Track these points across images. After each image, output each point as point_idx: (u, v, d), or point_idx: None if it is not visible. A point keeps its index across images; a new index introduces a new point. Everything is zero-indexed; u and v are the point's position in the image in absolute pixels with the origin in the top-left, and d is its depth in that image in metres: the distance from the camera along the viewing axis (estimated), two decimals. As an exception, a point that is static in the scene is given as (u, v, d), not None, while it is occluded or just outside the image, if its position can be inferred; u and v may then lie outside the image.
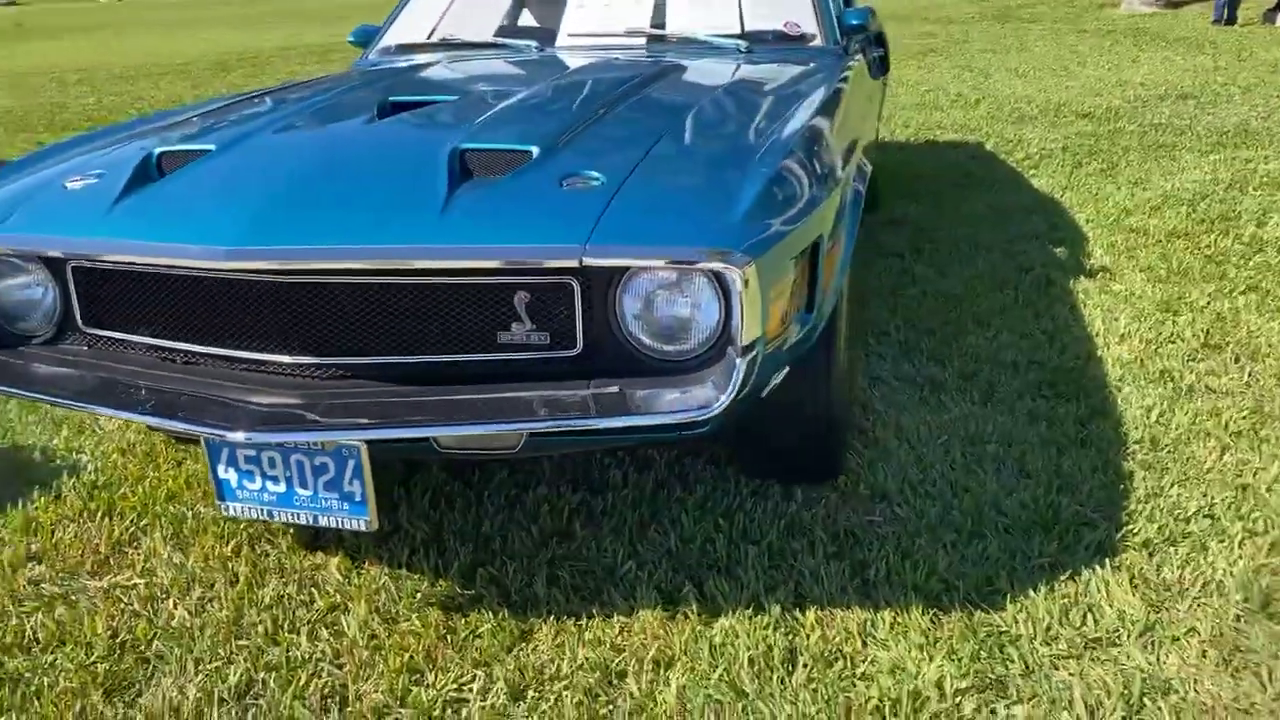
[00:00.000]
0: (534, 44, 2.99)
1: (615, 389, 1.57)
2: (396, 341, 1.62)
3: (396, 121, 1.97)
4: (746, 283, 1.48)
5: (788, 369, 1.86)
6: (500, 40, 3.06)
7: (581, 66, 2.60)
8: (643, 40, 3.00)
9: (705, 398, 1.51)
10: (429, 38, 3.20)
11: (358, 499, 1.63)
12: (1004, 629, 1.79)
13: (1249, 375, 2.77)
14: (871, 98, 3.51)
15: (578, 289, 1.58)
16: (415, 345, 1.62)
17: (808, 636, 1.77)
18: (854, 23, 3.05)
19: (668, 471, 2.33)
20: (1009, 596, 1.87)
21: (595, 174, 1.64)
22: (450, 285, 1.57)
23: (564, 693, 1.65)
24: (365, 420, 1.54)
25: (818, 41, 3.00)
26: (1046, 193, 4.92)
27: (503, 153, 1.73)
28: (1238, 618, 1.80)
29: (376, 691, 1.66)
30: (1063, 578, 1.92)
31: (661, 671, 1.70)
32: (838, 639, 1.77)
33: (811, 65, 2.78)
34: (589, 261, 1.48)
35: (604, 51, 2.94)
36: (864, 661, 1.72)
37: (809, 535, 2.07)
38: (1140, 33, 11.66)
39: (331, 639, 1.79)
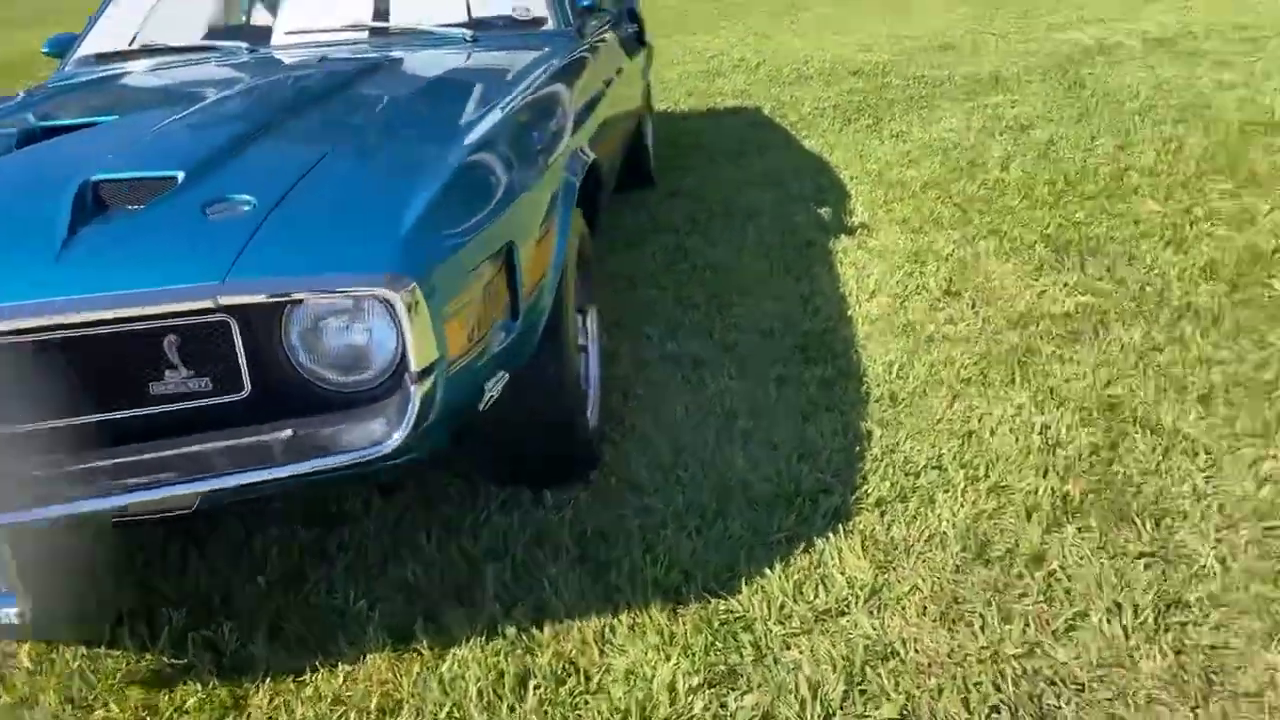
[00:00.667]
0: (244, 45, 2.78)
1: (289, 432, 1.46)
2: (34, 405, 1.45)
3: (29, 153, 1.76)
4: (412, 305, 1.39)
5: (505, 377, 1.79)
6: (208, 43, 2.84)
7: (279, 69, 2.43)
8: (365, 34, 2.84)
9: (382, 433, 1.42)
10: (131, 44, 2.93)
11: (3, 590, 1.45)
12: (739, 614, 1.79)
13: (982, 319, 2.89)
14: (621, 76, 3.47)
15: (235, 326, 1.45)
16: (55, 408, 1.45)
17: (542, 654, 1.71)
18: (586, 3, 2.99)
19: (416, 492, 2.23)
20: (745, 579, 1.87)
21: (247, 197, 1.51)
22: (83, 338, 1.41)
23: (278, 758, 1.54)
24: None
25: (549, 25, 2.92)
26: (816, 153, 5.04)
27: (143, 181, 1.57)
28: (956, 569, 1.86)
29: (66, 791, 1.51)
30: (798, 551, 1.94)
31: (388, 719, 1.61)
32: (573, 652, 1.72)
33: (541, 50, 2.70)
34: (226, 300, 1.35)
35: (322, 49, 2.77)
36: (599, 672, 1.68)
37: (555, 541, 2.02)
38: (912, -15, 12.17)
39: (20, 738, 1.61)
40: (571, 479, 2.20)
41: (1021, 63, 6.76)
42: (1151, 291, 3.00)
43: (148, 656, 1.76)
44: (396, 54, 2.64)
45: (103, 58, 2.92)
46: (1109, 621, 1.70)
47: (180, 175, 1.57)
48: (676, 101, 6.51)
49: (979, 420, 2.35)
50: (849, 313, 3.04)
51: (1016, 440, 2.26)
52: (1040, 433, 2.28)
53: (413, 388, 1.42)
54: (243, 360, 1.47)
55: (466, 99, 2.12)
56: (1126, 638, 1.67)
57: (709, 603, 1.82)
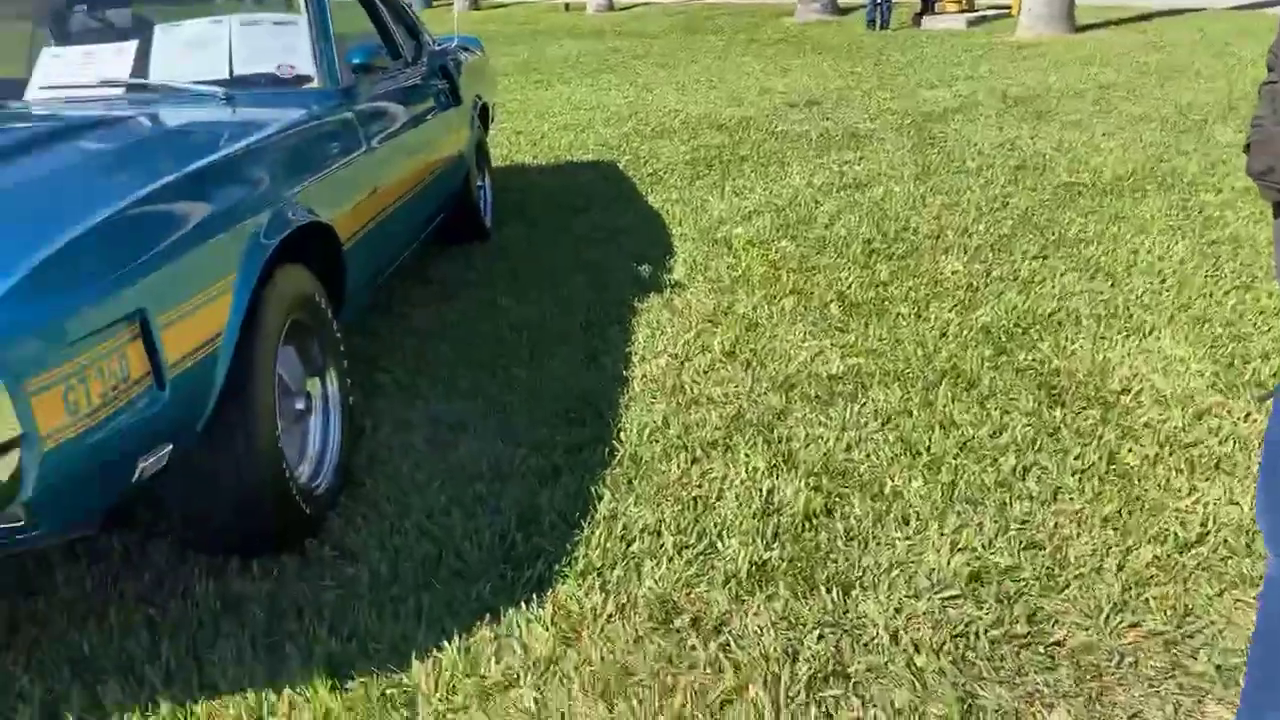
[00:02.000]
0: (-8, 98, 2.72)
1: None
2: None
3: None
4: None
5: (167, 450, 1.75)
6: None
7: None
8: (121, 90, 2.80)
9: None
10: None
11: None
12: (406, 687, 1.75)
13: (752, 381, 2.93)
14: (415, 134, 3.45)
15: None
16: None
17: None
18: (358, 61, 2.98)
19: (120, 561, 2.15)
20: (422, 651, 1.83)
21: None
22: None
23: None
24: None
25: (314, 84, 2.90)
26: (657, 208, 5.10)
27: None
28: (636, 639, 1.85)
29: None
30: (486, 621, 1.91)
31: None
32: (218, 733, 1.66)
33: (290, 110, 2.66)
34: None
35: (67, 105, 2.72)
36: (238, 754, 1.62)
37: (243, 614, 1.96)
38: (803, 40, 12.54)
39: None
40: (282, 548, 2.15)
41: (880, 120, 6.97)
42: (922, 354, 3.06)
43: None
44: (123, 111, 2.61)
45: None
46: (764, 692, 1.70)
47: None
48: (537, 155, 6.55)
49: (710, 485, 2.36)
50: (628, 373, 3.05)
51: (740, 506, 2.27)
52: (764, 498, 2.29)
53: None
54: None
55: (152, 160, 2.09)
56: (776, 712, 1.67)
57: (378, 677, 1.78)
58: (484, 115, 4.95)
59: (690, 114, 7.61)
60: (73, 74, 2.83)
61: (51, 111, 2.60)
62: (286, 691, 1.75)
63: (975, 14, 13.43)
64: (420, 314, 3.67)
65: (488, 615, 1.93)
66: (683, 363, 3.10)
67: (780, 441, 2.55)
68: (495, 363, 3.19)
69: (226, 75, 2.85)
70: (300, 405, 2.30)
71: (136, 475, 1.71)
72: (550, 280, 4.03)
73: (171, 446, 1.78)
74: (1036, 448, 2.49)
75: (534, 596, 1.98)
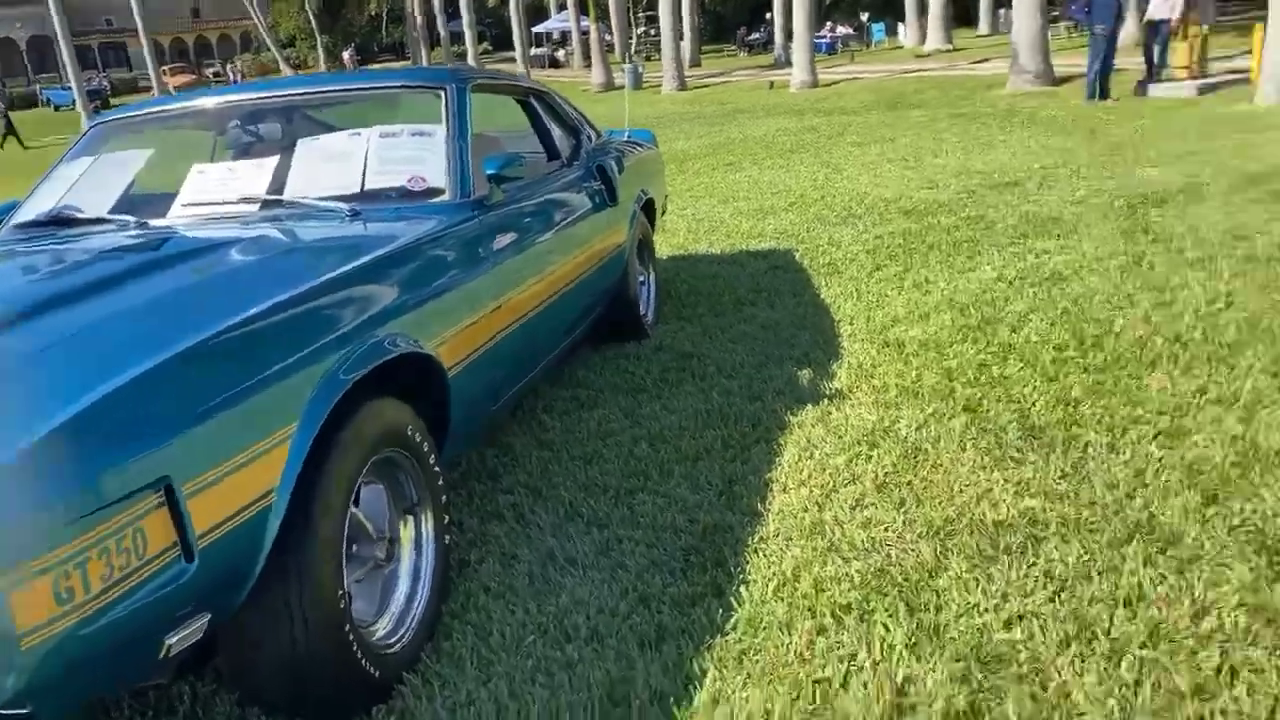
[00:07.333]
0: (132, 219, 2.79)
1: None
2: None
3: None
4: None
5: (204, 621, 1.61)
6: (100, 217, 2.86)
7: (100, 251, 2.43)
8: (256, 207, 2.81)
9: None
10: (49, 215, 3.00)
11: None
12: None
13: (903, 523, 2.53)
14: (558, 240, 3.33)
15: None
16: None
17: None
18: (492, 170, 2.87)
19: (185, 716, 2.04)
20: None
21: None
22: None
23: None
24: None
25: (445, 196, 2.81)
26: (829, 303, 4.77)
27: None
28: None
29: None
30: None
31: None
32: None
33: (415, 224, 2.57)
34: None
35: (213, 221, 2.76)
36: None
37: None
38: (1012, 114, 11.86)
39: None
40: (343, 716, 1.97)
41: (1089, 203, 6.32)
42: (1111, 499, 2.57)
43: None
44: (233, 233, 2.60)
45: (24, 226, 2.99)
46: None
47: None
48: (713, 244, 6.36)
49: (836, 665, 2.00)
50: (764, 506, 2.73)
51: (866, 697, 1.89)
52: (898, 689, 1.91)
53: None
54: None
55: (230, 294, 1.97)
56: None
57: None
58: (649, 210, 4.81)
59: (880, 197, 7.23)
60: (216, 191, 2.88)
61: (165, 234, 2.63)
62: None
63: (1208, 80, 12.25)
64: (555, 422, 3.50)
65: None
66: (828, 495, 2.74)
67: (926, 609, 2.16)
68: (622, 485, 2.95)
69: (358, 189, 2.81)
70: (380, 554, 2.13)
71: (163, 653, 1.57)
72: (700, 386, 3.78)
73: (210, 616, 1.64)
74: (1251, 640, 1.97)
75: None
